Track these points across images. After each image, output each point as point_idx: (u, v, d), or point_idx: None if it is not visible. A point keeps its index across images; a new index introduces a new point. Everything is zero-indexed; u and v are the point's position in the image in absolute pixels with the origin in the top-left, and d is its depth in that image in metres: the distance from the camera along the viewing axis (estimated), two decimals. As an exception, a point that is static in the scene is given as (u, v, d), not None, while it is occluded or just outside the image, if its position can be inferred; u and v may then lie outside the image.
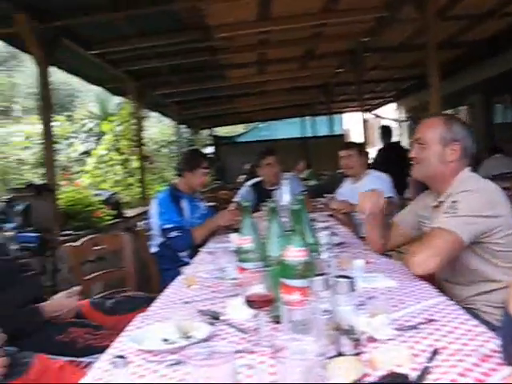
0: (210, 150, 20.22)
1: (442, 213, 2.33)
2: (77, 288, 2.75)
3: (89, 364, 2.19)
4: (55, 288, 4.90)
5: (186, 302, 2.19)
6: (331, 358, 1.38)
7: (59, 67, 7.18)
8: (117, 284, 4.05)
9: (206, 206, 4.53)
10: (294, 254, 1.63)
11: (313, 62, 9.71)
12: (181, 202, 4.19)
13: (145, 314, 2.07)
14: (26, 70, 29.01)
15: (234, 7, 6.14)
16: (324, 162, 14.11)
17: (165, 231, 4.07)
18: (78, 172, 11.07)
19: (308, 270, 1.63)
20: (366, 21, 7.27)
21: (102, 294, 3.32)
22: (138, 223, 4.32)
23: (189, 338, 1.67)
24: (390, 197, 4.49)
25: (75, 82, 25.89)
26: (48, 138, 5.80)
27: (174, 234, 4.03)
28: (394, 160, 7.96)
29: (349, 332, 1.49)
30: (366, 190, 4.55)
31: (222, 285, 2.40)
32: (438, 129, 2.45)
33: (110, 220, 6.53)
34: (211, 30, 6.79)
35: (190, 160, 4.37)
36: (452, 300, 1.99)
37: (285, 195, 3.83)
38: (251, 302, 1.64)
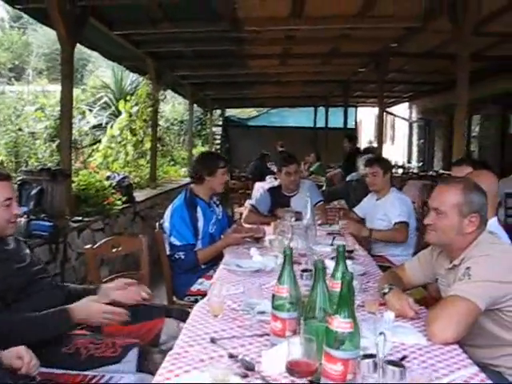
0: (218, 130, 20.21)
1: (457, 279, 2.28)
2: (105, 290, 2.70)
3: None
4: (63, 276, 4.90)
5: (214, 339, 2.15)
6: None
7: (81, 43, 7.09)
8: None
9: (221, 211, 4.44)
10: (342, 324, 1.60)
11: (336, 59, 9.64)
12: (197, 208, 4.10)
13: (175, 351, 2.03)
14: (39, 30, 28.80)
15: (268, 2, 6.05)
16: (334, 154, 14.10)
17: (172, 247, 4.00)
18: (88, 145, 10.99)
19: (353, 342, 1.60)
20: (398, 28, 7.18)
21: None
22: (157, 224, 4.23)
23: (226, 397, 1.64)
24: (404, 222, 4.47)
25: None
26: (66, 120, 5.71)
27: (179, 254, 3.95)
28: None
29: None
30: (386, 208, 4.57)
31: (249, 319, 2.35)
32: (456, 199, 2.35)
33: (120, 205, 6.48)
34: (241, 22, 6.72)
35: (207, 163, 4.20)
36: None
37: (308, 213, 3.82)
38: (292, 371, 1.60)
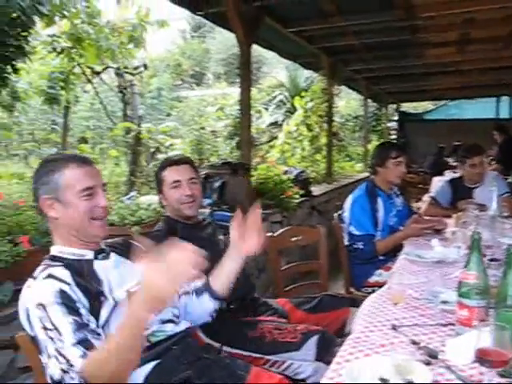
0: (394, 125, 19.77)
1: None
2: None
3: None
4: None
5: (395, 326, 2.10)
6: None
7: (257, 44, 7.30)
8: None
9: (402, 201, 4.34)
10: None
11: (520, 41, 8.92)
12: (377, 199, 4.06)
13: (355, 335, 2.02)
14: (217, 36, 30.33)
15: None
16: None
17: (351, 237, 4.00)
18: (265, 142, 11.33)
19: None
20: None
21: (302, 295, 3.29)
22: (335, 215, 4.26)
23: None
24: None
25: (264, 49, 26.60)
26: (245, 117, 5.94)
27: (357, 244, 3.94)
28: None
29: None
30: None
31: (431, 309, 2.27)
32: None
33: (298, 199, 6.59)
34: (415, 8, 6.49)
35: (379, 154, 4.17)
36: None
37: (493, 204, 3.60)
38: (482, 360, 1.51)
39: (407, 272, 2.93)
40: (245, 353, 2.44)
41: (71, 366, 1.71)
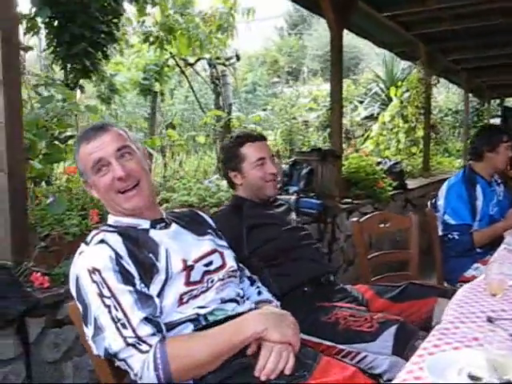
0: (497, 121, 18.82)
1: None
2: None
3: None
4: (330, 256, 4.89)
5: (491, 319, 1.84)
6: None
7: (351, 30, 7.04)
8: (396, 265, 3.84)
9: (503, 190, 3.99)
10: None
11: None
12: (476, 187, 3.73)
13: (443, 326, 1.77)
14: (313, 33, 30.23)
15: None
16: None
17: (446, 227, 3.71)
18: (360, 136, 11.05)
19: None
20: None
21: (385, 283, 3.04)
22: (428, 203, 3.99)
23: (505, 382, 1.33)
24: None
25: (361, 45, 26.20)
26: (336, 104, 5.73)
27: (452, 234, 3.65)
28: None
29: None
30: None
31: (535, 301, 1.99)
32: None
33: (391, 191, 6.27)
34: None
35: (489, 139, 3.82)
36: None
37: None
38: None
39: (508, 262, 2.63)
40: (316, 340, 2.25)
41: (143, 341, 1.60)
